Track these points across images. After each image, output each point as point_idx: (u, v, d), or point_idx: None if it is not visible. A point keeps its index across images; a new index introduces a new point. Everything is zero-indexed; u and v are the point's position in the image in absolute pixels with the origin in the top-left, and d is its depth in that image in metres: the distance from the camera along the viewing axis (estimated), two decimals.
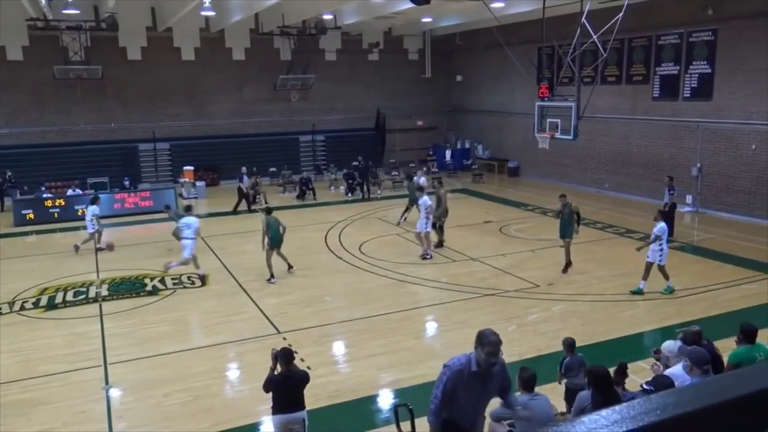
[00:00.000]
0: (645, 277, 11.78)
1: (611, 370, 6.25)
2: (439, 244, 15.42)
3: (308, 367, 7.95)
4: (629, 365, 6.70)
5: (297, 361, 7.07)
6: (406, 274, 13.52)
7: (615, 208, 19.39)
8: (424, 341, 10.43)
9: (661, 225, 11.70)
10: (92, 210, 16.21)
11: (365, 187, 22.86)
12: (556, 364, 7.41)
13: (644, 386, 6.19)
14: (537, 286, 12.50)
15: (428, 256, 14.55)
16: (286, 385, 6.39)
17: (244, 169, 21.54)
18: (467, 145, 30.14)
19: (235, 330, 10.63)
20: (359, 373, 8.95)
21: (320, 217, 19.61)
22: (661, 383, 5.77)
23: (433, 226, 14.95)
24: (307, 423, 6.44)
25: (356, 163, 24.13)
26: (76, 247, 15.97)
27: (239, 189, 20.99)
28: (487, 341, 4.86)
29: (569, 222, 13.19)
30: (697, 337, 6.72)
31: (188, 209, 14.90)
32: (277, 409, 6.42)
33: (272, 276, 13.15)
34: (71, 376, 8.96)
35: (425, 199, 14.48)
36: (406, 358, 9.32)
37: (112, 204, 20.95)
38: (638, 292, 11.77)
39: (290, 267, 13.77)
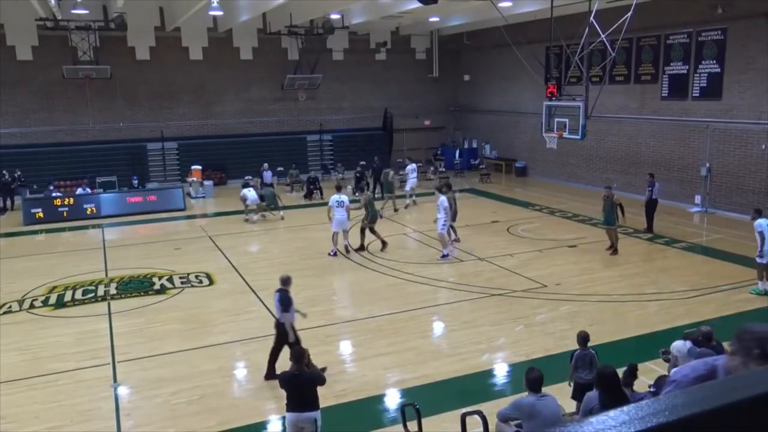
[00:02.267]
0: (761, 277, 11.65)
1: (621, 371, 6.24)
2: (361, 247, 15.35)
3: (323, 369, 7.95)
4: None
5: None
6: (413, 273, 13.51)
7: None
8: (430, 341, 10.41)
9: (758, 221, 11.51)
10: (247, 192, 19.00)
11: (379, 187, 22.80)
12: (564, 364, 7.39)
13: (650, 388, 6.18)
14: (544, 286, 12.46)
15: (332, 253, 14.96)
16: (294, 384, 6.40)
17: (266, 165, 21.55)
18: (475, 145, 30.10)
19: (242, 329, 10.66)
20: (365, 372, 8.96)
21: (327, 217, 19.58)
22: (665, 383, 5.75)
23: (362, 230, 15.40)
24: (320, 424, 6.43)
25: (363, 162, 24.12)
26: (253, 221, 18.57)
27: (271, 185, 21.11)
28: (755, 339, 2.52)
29: (611, 212, 14.59)
30: (704, 337, 6.68)
31: (442, 189, 15.09)
32: (289, 407, 6.47)
33: (362, 247, 15.15)
34: (79, 374, 9.02)
35: (333, 198, 15.01)
36: (412, 358, 9.31)
37: (121, 203, 21.08)
38: (759, 293, 11.57)
39: (384, 245, 15.21)
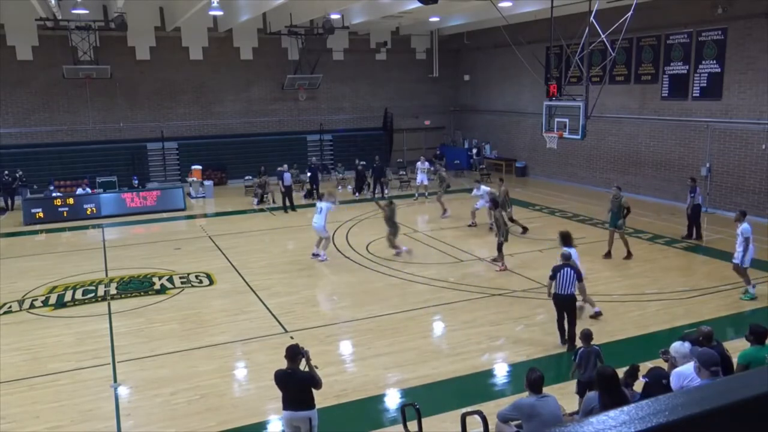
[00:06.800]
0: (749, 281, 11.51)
1: (623, 371, 6.25)
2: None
3: (315, 366, 7.97)
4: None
5: None
6: (413, 273, 13.51)
7: None
8: (430, 341, 10.41)
9: (745, 226, 11.40)
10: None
11: (379, 187, 22.89)
12: (564, 364, 7.39)
13: (641, 378, 6.24)
14: (545, 286, 12.43)
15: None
16: (286, 383, 6.38)
17: (285, 166, 21.44)
18: (474, 145, 30.06)
19: (242, 329, 10.66)
20: (366, 372, 8.95)
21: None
22: (657, 375, 5.86)
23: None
24: (314, 423, 6.41)
25: (363, 162, 24.15)
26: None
27: (288, 187, 20.86)
28: None
29: (618, 214, 14.10)
30: (704, 337, 6.68)
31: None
32: (284, 405, 6.48)
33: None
34: (79, 374, 9.02)
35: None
36: (412, 358, 9.31)
37: (120, 203, 21.07)
38: (752, 297, 11.42)
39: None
